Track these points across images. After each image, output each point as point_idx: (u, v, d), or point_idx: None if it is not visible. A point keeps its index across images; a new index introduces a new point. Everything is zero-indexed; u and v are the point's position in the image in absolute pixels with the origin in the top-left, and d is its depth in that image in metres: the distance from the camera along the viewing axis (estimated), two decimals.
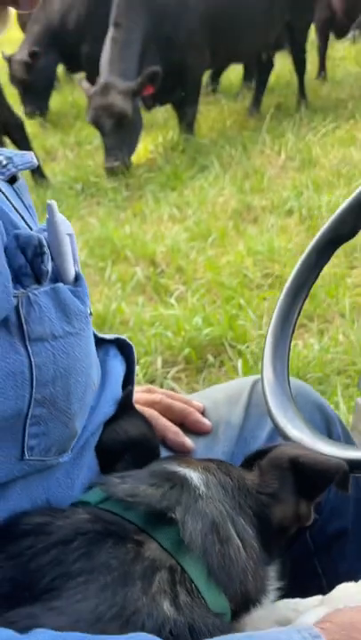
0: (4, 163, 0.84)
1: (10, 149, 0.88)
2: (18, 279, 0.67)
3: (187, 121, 5.29)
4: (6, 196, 0.78)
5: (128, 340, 0.97)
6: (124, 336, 0.97)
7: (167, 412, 1.06)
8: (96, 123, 4.74)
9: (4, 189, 0.79)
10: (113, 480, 0.76)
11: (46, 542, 0.67)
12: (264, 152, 4.74)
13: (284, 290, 1.08)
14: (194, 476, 0.77)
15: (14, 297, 0.66)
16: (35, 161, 0.88)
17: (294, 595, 0.80)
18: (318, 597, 0.78)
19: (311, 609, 0.74)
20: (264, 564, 0.76)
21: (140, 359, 2.57)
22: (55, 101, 6.85)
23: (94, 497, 0.74)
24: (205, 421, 1.06)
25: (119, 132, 4.71)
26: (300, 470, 0.79)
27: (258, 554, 0.76)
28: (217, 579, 0.71)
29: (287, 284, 1.08)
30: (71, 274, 0.76)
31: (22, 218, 0.79)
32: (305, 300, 1.08)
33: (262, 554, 0.76)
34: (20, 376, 0.68)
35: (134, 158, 4.95)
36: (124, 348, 0.97)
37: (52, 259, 0.74)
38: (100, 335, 0.93)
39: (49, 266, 0.70)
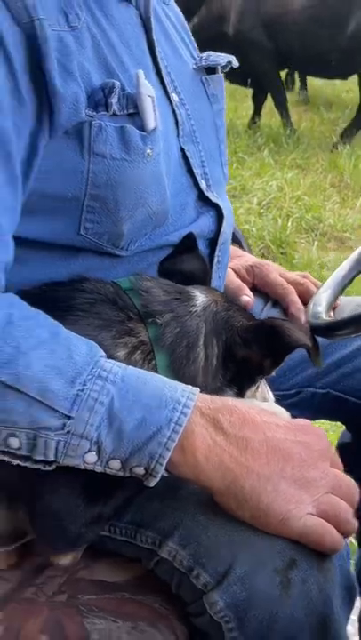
0: (205, 56, 1.22)
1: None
2: (95, 106, 0.96)
3: None
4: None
5: (223, 212, 1.19)
6: (225, 208, 1.19)
7: (304, 294, 1.34)
8: None
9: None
10: (145, 277, 1.01)
11: (74, 287, 0.95)
12: None
13: None
14: (200, 298, 1.00)
15: (88, 116, 0.94)
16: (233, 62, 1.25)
17: None
18: None
19: None
20: (220, 377, 0.97)
21: None
22: None
23: (125, 283, 0.98)
24: None
25: None
26: (276, 337, 0.96)
27: (214, 367, 0.96)
28: (173, 368, 0.93)
29: None
30: (149, 125, 1.00)
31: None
32: None
33: (220, 370, 0.97)
34: (80, 174, 0.96)
35: None
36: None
37: (138, 112, 0.99)
38: (207, 193, 1.17)
39: (114, 99, 0.96)
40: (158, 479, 0.84)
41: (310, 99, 7.60)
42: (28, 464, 0.83)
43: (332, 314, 1.09)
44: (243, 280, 1.36)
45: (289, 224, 4.43)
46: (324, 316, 1.06)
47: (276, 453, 0.84)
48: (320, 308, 1.09)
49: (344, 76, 6.48)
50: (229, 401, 0.89)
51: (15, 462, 0.83)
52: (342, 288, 1.17)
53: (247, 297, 1.31)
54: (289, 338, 0.96)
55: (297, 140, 6.10)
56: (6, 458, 0.83)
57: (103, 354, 0.85)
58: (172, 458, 0.82)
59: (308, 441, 0.88)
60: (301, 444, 0.87)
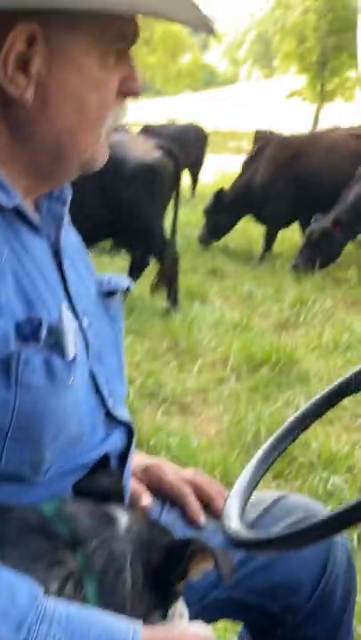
0: (107, 280, 1.26)
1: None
2: (23, 339, 0.99)
3: None
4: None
5: (133, 428, 1.24)
6: (132, 424, 1.24)
7: (199, 491, 1.38)
8: None
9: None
10: (69, 501, 1.02)
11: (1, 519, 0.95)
12: None
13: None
14: (122, 519, 1.01)
15: (17, 349, 0.97)
16: (131, 285, 1.30)
17: None
18: None
19: None
20: (145, 600, 0.97)
21: None
22: None
23: (50, 510, 0.98)
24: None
25: None
26: (196, 558, 1.00)
27: (140, 591, 0.97)
28: (103, 596, 0.93)
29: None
30: (69, 354, 1.04)
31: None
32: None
33: (145, 593, 0.97)
34: (6, 404, 0.97)
35: None
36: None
37: (59, 343, 1.02)
38: (115, 414, 1.21)
39: (43, 334, 1.00)
40: None
41: None
42: None
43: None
44: (140, 481, 1.37)
45: (131, 391, 4.49)
46: (243, 532, 1.07)
47: None
48: (233, 522, 1.10)
49: None
50: (169, 631, 0.92)
51: None
52: (248, 497, 1.19)
53: (147, 501, 1.32)
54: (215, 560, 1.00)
55: (131, 305, 6.30)
56: None
57: (42, 590, 0.85)
58: None
59: None
60: None
